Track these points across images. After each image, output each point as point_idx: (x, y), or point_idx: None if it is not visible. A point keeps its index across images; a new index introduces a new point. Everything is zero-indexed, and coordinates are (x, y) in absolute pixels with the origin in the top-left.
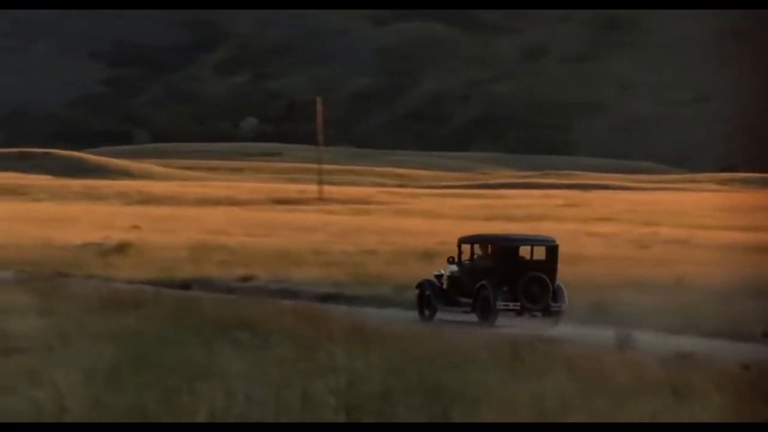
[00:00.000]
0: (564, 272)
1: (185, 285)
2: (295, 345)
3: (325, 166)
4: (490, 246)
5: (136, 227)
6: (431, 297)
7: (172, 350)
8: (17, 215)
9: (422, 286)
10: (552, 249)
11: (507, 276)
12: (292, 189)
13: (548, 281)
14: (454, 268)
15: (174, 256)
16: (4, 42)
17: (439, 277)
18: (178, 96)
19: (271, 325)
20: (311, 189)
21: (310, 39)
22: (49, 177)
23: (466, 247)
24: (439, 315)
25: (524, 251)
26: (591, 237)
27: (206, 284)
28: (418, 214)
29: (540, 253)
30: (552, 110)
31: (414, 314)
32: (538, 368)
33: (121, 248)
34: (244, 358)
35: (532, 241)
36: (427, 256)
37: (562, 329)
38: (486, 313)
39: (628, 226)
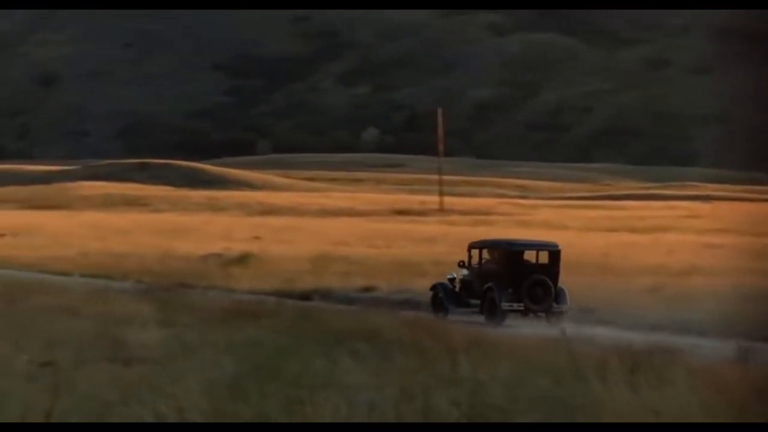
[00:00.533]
0: (688, 284)
1: (306, 296)
2: (417, 356)
3: (446, 177)
4: (496, 251)
5: (256, 238)
6: (443, 299)
7: (294, 361)
8: (138, 226)
9: (436, 288)
10: (554, 254)
11: (512, 279)
12: (412, 200)
13: (551, 284)
14: (465, 271)
15: (295, 267)
16: (125, 53)
17: (452, 280)
18: (299, 107)
19: (392, 336)
20: (432, 200)
21: (432, 49)
22: (169, 188)
23: (475, 252)
24: (450, 315)
25: (530, 256)
26: (709, 249)
27: (327, 295)
28: (538, 226)
29: (543, 257)
30: (674, 121)
31: (536, 325)
32: (658, 380)
33: (242, 259)
34: (365, 369)
35: (536, 247)
36: None
37: (681, 340)
38: (492, 313)
39: (749, 237)
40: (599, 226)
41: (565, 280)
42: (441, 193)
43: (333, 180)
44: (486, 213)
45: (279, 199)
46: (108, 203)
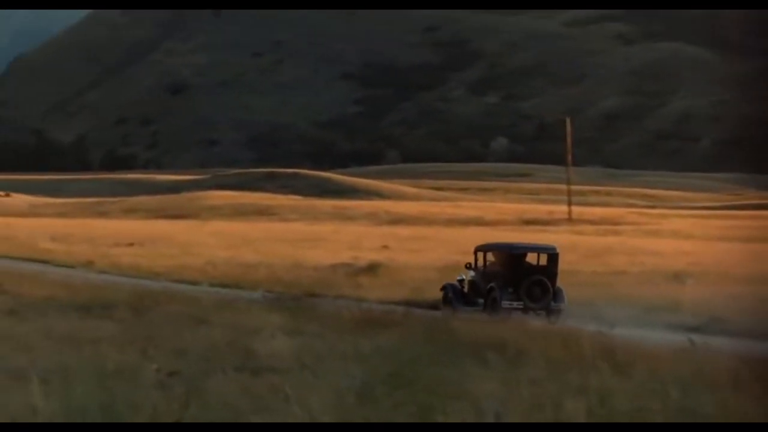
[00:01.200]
0: None
1: (435, 305)
2: (546, 365)
3: (575, 187)
4: (498, 254)
5: (385, 247)
6: (452, 298)
7: (424, 370)
8: (267, 235)
9: (446, 289)
10: (553, 256)
11: (512, 279)
12: (541, 209)
13: (549, 284)
14: (472, 272)
15: (424, 276)
16: (256, 63)
17: (461, 281)
18: (428, 116)
19: (522, 345)
20: (561, 210)
21: (560, 59)
22: (298, 197)
23: (480, 255)
24: (461, 314)
25: (532, 258)
26: None
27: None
28: (668, 235)
29: (543, 259)
30: None
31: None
32: None
33: (371, 268)
34: (495, 378)
35: (536, 249)
36: (677, 277)
37: None
38: (494, 311)
39: None
40: (728, 235)
41: (704, 291)
42: (569, 203)
43: (462, 189)
44: (614, 222)
45: (408, 209)
46: (237, 212)
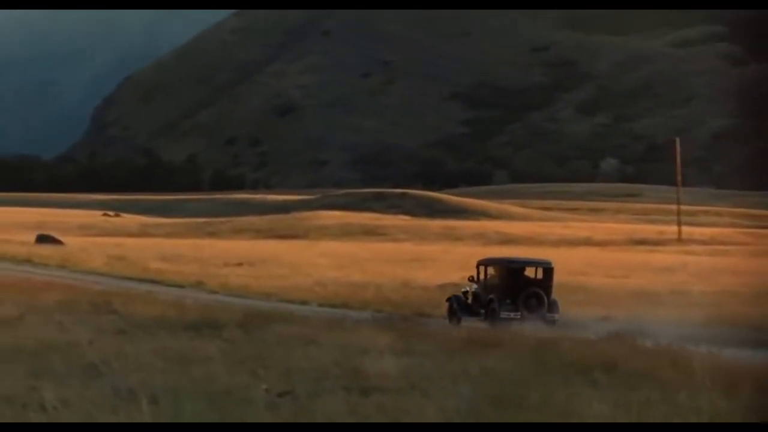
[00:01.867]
0: None
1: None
2: (656, 386)
3: (684, 207)
4: (498, 268)
5: None
6: (457, 309)
7: (533, 391)
8: (376, 255)
9: (451, 300)
10: (548, 270)
11: (510, 291)
12: (650, 230)
13: (544, 295)
14: (475, 285)
15: None
16: (364, 83)
17: (465, 293)
18: (537, 136)
19: (631, 366)
20: (670, 230)
21: (668, 80)
22: (407, 217)
23: (482, 269)
24: (463, 323)
25: (530, 271)
26: None
27: (565, 324)
28: None
29: (539, 273)
30: None
31: None
32: None
33: None
34: (604, 399)
35: (532, 264)
36: None
37: None
38: (493, 321)
39: None
40: None
41: None
42: (679, 223)
43: (571, 210)
44: (724, 243)
45: (517, 229)
46: (346, 233)
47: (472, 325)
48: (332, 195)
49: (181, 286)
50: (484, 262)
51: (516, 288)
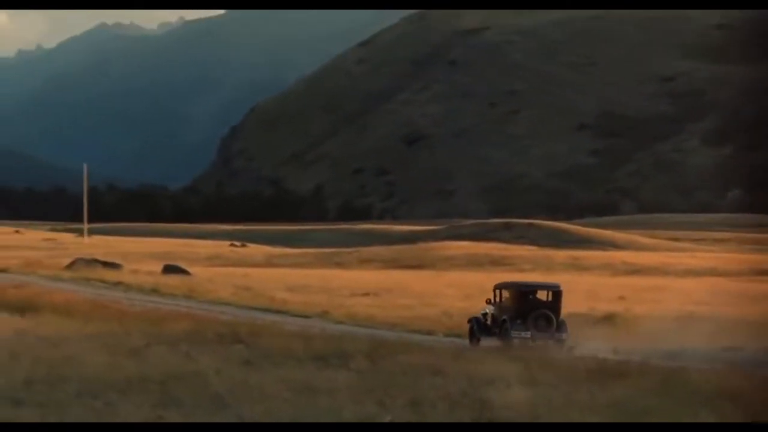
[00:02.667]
0: None
1: (671, 356)
2: None
3: None
4: (510, 291)
5: (621, 298)
6: (476, 330)
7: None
8: None
9: (471, 321)
10: (557, 293)
11: (521, 312)
12: None
13: (552, 317)
14: (491, 307)
15: (660, 326)
16: (491, 113)
17: (485, 315)
18: (663, 167)
19: (757, 397)
20: None
21: None
22: (533, 247)
23: (498, 292)
24: (482, 343)
25: (541, 294)
26: None
27: (692, 355)
28: None
29: (549, 296)
30: None
31: None
32: None
33: (607, 319)
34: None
35: (542, 287)
36: None
37: None
38: (505, 340)
39: None
40: None
41: None
42: None
43: (696, 240)
44: None
45: (644, 259)
46: (472, 263)
47: (491, 344)
48: (459, 225)
49: (307, 317)
50: (500, 286)
51: (526, 309)
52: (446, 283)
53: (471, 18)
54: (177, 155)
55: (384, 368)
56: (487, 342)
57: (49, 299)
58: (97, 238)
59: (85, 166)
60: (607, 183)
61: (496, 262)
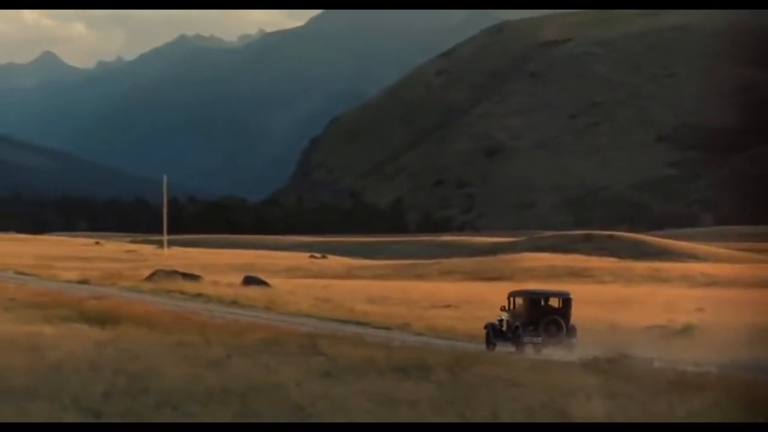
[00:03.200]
0: None
1: (749, 368)
2: None
3: None
4: (523, 298)
5: (700, 310)
6: (492, 335)
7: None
8: (582, 297)
9: (487, 327)
10: (566, 300)
11: (533, 318)
12: None
13: (563, 323)
14: (506, 314)
15: (739, 339)
16: (571, 124)
17: (501, 321)
18: (741, 178)
19: None
20: None
21: None
22: (613, 259)
23: (512, 299)
24: (498, 347)
25: (554, 301)
26: None
27: None
28: None
29: (559, 303)
30: None
31: None
32: None
33: (686, 331)
34: None
35: (553, 295)
36: None
37: None
38: (517, 344)
39: None
40: None
41: None
42: None
43: None
44: None
45: (723, 271)
46: (552, 275)
47: (505, 349)
48: (539, 237)
49: (387, 328)
50: (513, 294)
51: (538, 316)
52: None
53: (550, 30)
54: (257, 167)
55: (464, 380)
56: (502, 347)
57: (129, 311)
58: (176, 250)
59: (165, 178)
60: (687, 195)
61: (576, 274)
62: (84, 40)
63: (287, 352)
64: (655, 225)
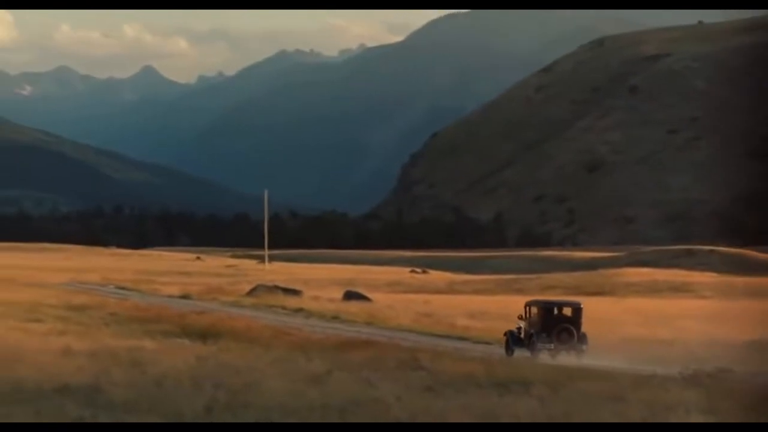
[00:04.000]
0: None
1: None
2: None
3: None
4: (537, 307)
5: None
6: (510, 342)
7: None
8: (683, 312)
9: (506, 334)
10: (577, 309)
11: (546, 326)
12: None
13: (574, 330)
14: (523, 322)
15: None
16: (671, 139)
17: (519, 329)
18: None
19: None
20: None
21: None
22: (714, 274)
23: (527, 308)
24: (516, 353)
25: (567, 310)
26: None
27: None
28: None
29: (570, 312)
30: None
31: None
32: None
33: None
34: None
35: (564, 304)
36: None
37: None
38: (532, 350)
39: None
40: None
41: None
42: None
43: None
44: None
45: None
46: (653, 290)
47: (523, 354)
48: (640, 252)
49: (488, 343)
50: (529, 303)
51: (551, 324)
52: (625, 309)
53: (650, 45)
54: (357, 182)
55: (564, 395)
56: (519, 352)
57: (230, 325)
58: (277, 265)
59: (265, 192)
60: None
61: (677, 289)
62: (185, 55)
63: (388, 367)
64: (755, 239)
